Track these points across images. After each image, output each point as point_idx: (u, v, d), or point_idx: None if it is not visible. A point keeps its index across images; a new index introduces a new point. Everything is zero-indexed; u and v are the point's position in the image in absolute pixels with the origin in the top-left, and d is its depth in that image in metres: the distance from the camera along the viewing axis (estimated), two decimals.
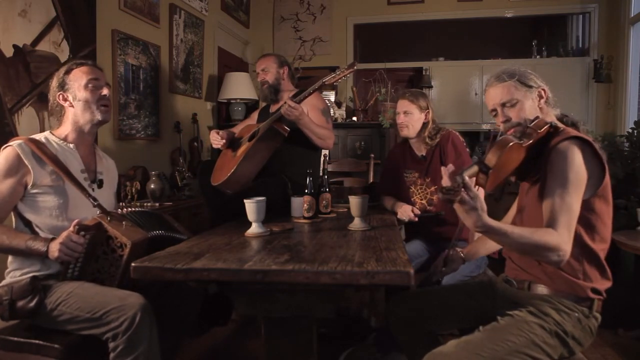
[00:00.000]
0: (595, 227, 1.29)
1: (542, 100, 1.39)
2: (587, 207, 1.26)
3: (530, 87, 1.38)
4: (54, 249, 1.42)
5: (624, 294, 1.26)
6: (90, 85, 1.64)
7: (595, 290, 1.29)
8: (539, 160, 1.32)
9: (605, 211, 1.30)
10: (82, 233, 1.45)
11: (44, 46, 2.34)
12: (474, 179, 1.18)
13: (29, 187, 1.52)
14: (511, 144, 1.23)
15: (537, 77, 1.41)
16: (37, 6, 2.29)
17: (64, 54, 2.46)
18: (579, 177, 1.23)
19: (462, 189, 1.08)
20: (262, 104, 2.78)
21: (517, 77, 1.37)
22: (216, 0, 4.32)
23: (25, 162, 1.50)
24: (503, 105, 1.38)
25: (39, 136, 1.63)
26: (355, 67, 2.07)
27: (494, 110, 1.43)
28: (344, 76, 2.05)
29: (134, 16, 3.05)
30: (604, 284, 1.31)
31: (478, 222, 1.11)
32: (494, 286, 1.52)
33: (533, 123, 1.32)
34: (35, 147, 1.53)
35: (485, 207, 1.12)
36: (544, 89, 1.39)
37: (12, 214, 1.56)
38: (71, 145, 1.66)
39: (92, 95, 1.64)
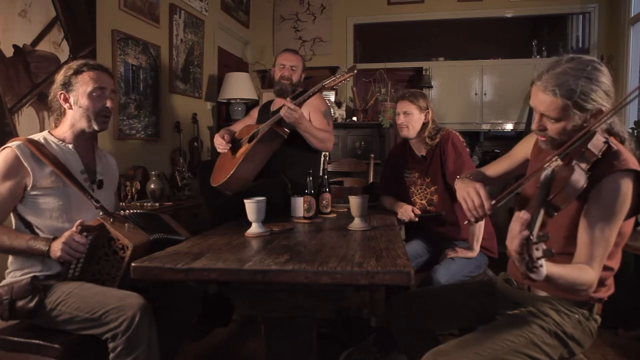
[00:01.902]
0: (617, 248, 1.26)
1: (593, 119, 1.18)
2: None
3: (585, 110, 1.17)
4: (56, 248, 1.42)
5: (624, 295, 1.26)
6: (94, 94, 1.60)
7: (598, 299, 1.29)
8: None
9: (627, 233, 1.26)
10: (85, 234, 1.45)
11: (44, 46, 2.34)
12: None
13: (29, 188, 1.51)
14: (583, 185, 1.08)
15: (603, 92, 1.17)
16: (37, 6, 2.29)
17: (64, 54, 2.46)
18: (624, 211, 1.16)
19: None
20: (263, 101, 2.78)
21: (575, 99, 1.15)
22: (216, 0, 4.32)
23: (25, 164, 1.49)
24: (543, 115, 1.22)
25: (38, 136, 1.61)
26: (355, 72, 2.07)
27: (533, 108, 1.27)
28: (343, 80, 2.06)
29: (134, 16, 3.05)
30: (606, 293, 1.30)
31: (539, 278, 0.97)
32: (494, 286, 1.52)
33: (590, 143, 1.15)
34: (34, 149, 1.52)
35: None
36: (601, 110, 1.17)
37: (11, 215, 1.55)
38: (70, 146, 1.63)
39: (94, 105, 1.60)
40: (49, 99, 1.65)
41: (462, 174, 2.06)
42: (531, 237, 0.92)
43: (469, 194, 1.36)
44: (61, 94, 1.61)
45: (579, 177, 1.07)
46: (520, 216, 0.96)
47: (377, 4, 5.00)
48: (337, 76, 2.05)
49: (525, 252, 0.92)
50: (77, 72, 1.61)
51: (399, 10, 4.97)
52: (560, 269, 1.07)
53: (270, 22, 5.18)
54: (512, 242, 0.95)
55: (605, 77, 1.18)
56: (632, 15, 4.16)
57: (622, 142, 1.27)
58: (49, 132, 1.65)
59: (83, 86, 1.59)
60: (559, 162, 1.20)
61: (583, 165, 1.12)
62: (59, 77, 1.62)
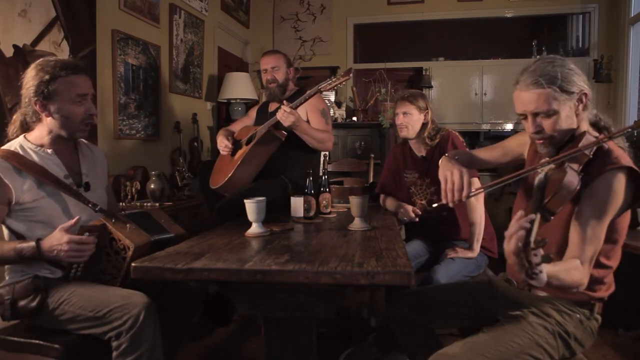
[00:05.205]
0: (615, 246, 1.26)
1: (581, 106, 1.21)
2: (611, 227, 1.21)
3: (572, 93, 1.19)
4: (58, 248, 1.35)
5: (624, 295, 1.26)
6: (78, 100, 1.49)
7: (598, 298, 1.29)
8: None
9: (624, 228, 1.26)
10: (87, 234, 1.43)
11: (44, 46, 2.34)
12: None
13: (13, 204, 1.45)
14: (578, 187, 1.09)
15: (579, 76, 1.21)
16: (37, 6, 2.29)
17: (64, 54, 2.46)
18: (615, 209, 1.17)
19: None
20: (261, 101, 2.78)
21: (559, 83, 1.18)
22: (216, 0, 4.32)
23: (5, 181, 1.42)
24: (536, 114, 1.22)
25: (14, 145, 1.51)
26: (351, 75, 2.08)
27: (523, 114, 1.25)
28: (340, 83, 2.06)
29: (134, 16, 3.05)
30: (607, 292, 1.30)
31: (540, 284, 0.98)
32: (493, 285, 1.52)
33: (581, 144, 1.17)
34: (16, 162, 1.44)
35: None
36: (585, 93, 1.21)
37: (3, 228, 1.51)
38: (49, 151, 1.53)
39: (78, 111, 1.50)
40: (22, 105, 1.51)
41: None
42: (529, 243, 0.91)
43: (453, 174, 1.35)
44: (37, 101, 1.46)
45: (572, 179, 1.08)
46: (518, 218, 0.96)
47: (377, 4, 5.00)
48: (334, 79, 2.06)
49: (524, 257, 0.91)
50: (54, 77, 1.45)
51: (399, 10, 4.98)
52: (554, 268, 1.07)
53: (270, 22, 5.18)
54: (509, 243, 0.96)
55: (573, 65, 1.23)
56: (632, 15, 4.16)
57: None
58: (24, 137, 1.54)
59: (64, 93, 1.47)
60: (552, 165, 1.20)
61: (575, 166, 1.13)
62: (32, 82, 1.46)
